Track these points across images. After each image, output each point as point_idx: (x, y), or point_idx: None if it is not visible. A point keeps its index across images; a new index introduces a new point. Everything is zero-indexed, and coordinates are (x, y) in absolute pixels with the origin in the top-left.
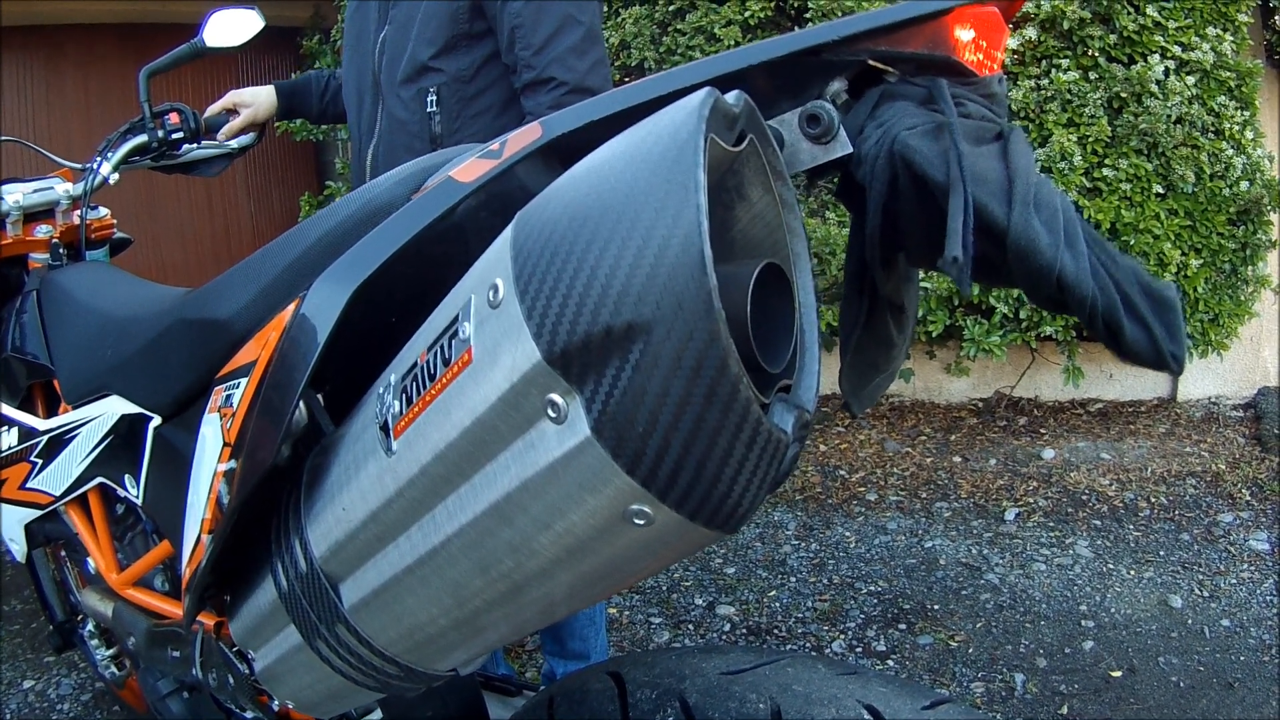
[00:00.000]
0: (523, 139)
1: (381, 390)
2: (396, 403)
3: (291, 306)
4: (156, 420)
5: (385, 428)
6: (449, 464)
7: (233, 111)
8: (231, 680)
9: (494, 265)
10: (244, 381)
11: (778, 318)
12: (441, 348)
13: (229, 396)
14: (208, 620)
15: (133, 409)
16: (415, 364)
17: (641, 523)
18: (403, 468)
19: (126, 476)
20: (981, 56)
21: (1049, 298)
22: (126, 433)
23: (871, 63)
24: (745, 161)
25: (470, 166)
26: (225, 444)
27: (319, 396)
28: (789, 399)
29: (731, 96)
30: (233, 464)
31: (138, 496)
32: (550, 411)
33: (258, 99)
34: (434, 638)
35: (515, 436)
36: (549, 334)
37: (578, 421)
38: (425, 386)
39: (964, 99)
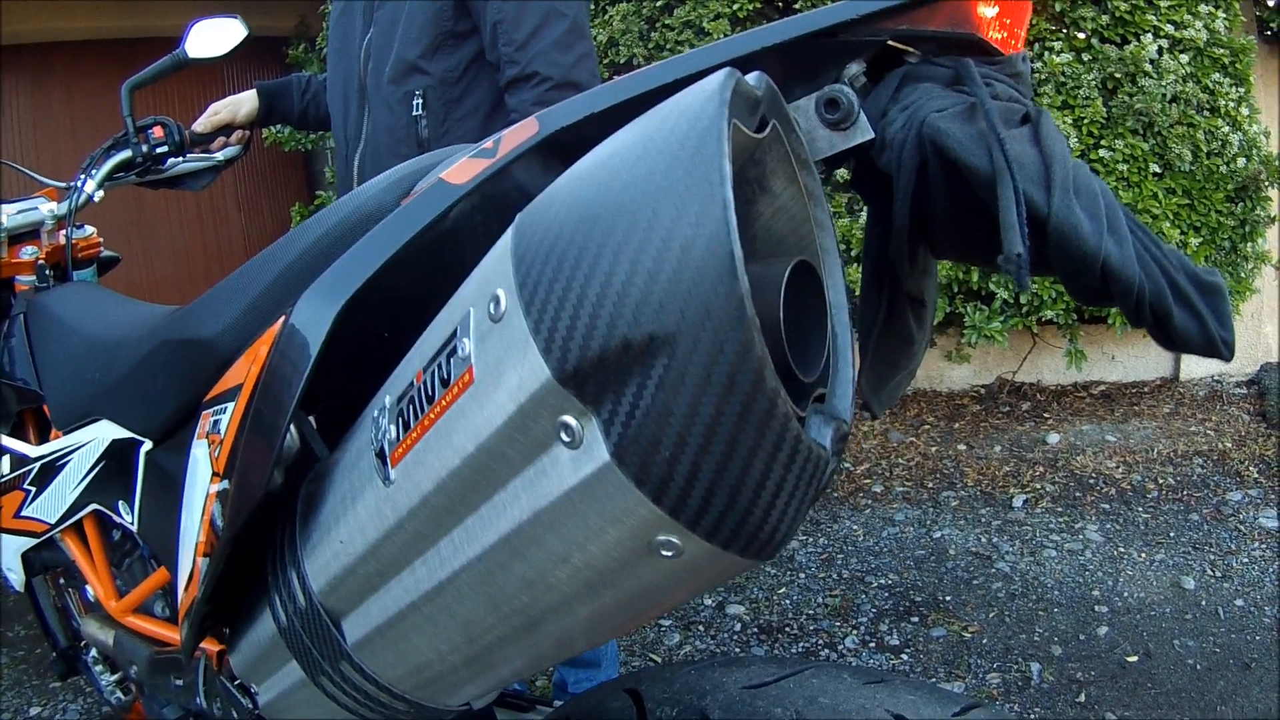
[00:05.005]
0: (518, 135)
1: (376, 414)
2: (393, 428)
3: (278, 324)
4: (148, 445)
5: (381, 454)
6: (452, 494)
7: (221, 130)
8: (235, 713)
9: (494, 274)
10: (230, 406)
11: (808, 320)
12: (439, 367)
13: (216, 422)
14: (210, 647)
15: (123, 434)
16: (411, 385)
17: (669, 554)
18: (402, 498)
19: (120, 503)
20: (1005, 34)
21: (1090, 287)
22: (118, 458)
23: (891, 43)
24: (768, 149)
25: (463, 167)
26: (214, 473)
27: (311, 419)
28: (825, 410)
29: (753, 78)
30: (226, 484)
31: (132, 523)
32: (564, 435)
33: (238, 101)
34: (444, 674)
35: (525, 463)
36: (559, 349)
37: (595, 446)
38: (423, 410)
39: (991, 79)
